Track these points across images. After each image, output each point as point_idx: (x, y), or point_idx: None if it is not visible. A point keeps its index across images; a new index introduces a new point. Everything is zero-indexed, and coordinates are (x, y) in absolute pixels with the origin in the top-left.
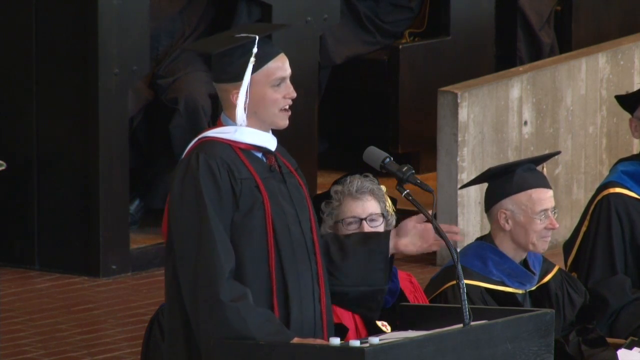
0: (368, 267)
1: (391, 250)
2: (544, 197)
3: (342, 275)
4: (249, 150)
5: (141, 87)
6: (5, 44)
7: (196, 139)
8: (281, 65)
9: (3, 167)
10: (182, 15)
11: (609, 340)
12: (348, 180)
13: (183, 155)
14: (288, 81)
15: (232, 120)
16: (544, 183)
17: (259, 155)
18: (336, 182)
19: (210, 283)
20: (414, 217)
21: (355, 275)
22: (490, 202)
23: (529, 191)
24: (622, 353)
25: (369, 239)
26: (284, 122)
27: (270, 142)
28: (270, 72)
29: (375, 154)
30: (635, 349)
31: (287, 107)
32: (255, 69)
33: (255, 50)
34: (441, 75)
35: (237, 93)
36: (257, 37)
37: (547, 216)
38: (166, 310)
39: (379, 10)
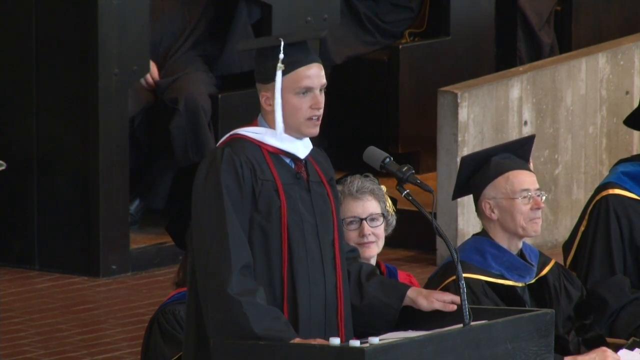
0: (375, 317)
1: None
2: (523, 178)
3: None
4: (276, 154)
5: (141, 87)
6: (5, 44)
7: (228, 134)
8: (309, 75)
9: (3, 167)
10: (183, 16)
11: (610, 340)
12: (348, 180)
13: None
14: (317, 92)
15: (265, 121)
16: (522, 166)
17: (287, 160)
18: (336, 182)
19: (219, 275)
20: (438, 302)
21: (362, 319)
22: (475, 196)
23: (507, 174)
24: (623, 353)
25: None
26: (310, 130)
27: (299, 149)
28: (296, 79)
29: (375, 154)
30: (637, 349)
31: (313, 117)
32: (284, 73)
33: (281, 55)
34: (441, 75)
35: (266, 95)
36: (282, 42)
37: (530, 197)
38: (187, 297)
39: (379, 10)
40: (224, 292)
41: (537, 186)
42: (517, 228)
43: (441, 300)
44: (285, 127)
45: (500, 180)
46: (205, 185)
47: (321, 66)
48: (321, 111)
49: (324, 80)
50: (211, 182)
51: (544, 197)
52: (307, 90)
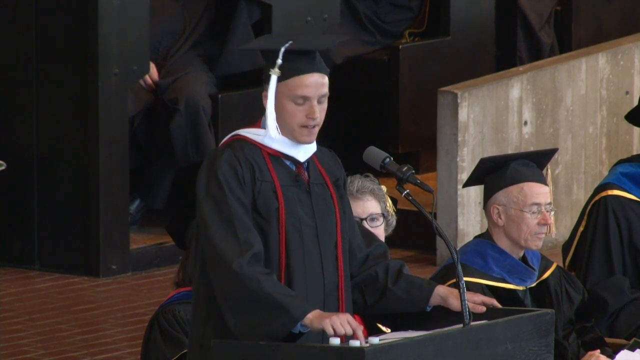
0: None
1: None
2: (537, 191)
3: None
4: (277, 156)
5: (141, 87)
6: (6, 44)
7: (230, 135)
8: (305, 84)
9: (3, 167)
10: (183, 16)
11: (610, 340)
12: (348, 180)
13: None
14: (314, 102)
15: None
16: (538, 178)
17: (287, 162)
18: None
19: (229, 259)
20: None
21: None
22: (485, 197)
23: (522, 184)
24: (624, 354)
25: (412, 290)
26: (303, 138)
27: (299, 152)
28: (292, 87)
29: (375, 154)
30: (638, 350)
31: (308, 125)
32: (281, 78)
33: (279, 61)
34: (441, 75)
35: (265, 95)
36: (282, 49)
37: (540, 211)
38: (192, 299)
39: (379, 10)
40: (231, 270)
41: (549, 200)
42: (520, 239)
43: (471, 301)
44: (281, 130)
45: (513, 189)
46: (207, 188)
47: (324, 75)
48: (318, 120)
49: (324, 91)
50: (213, 183)
51: (552, 213)
52: (304, 99)
